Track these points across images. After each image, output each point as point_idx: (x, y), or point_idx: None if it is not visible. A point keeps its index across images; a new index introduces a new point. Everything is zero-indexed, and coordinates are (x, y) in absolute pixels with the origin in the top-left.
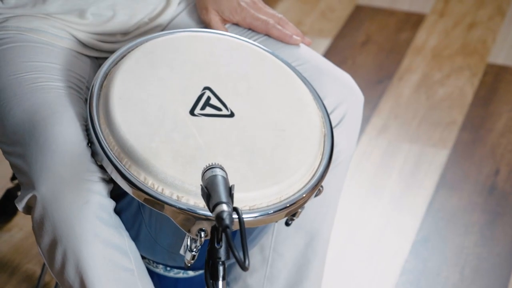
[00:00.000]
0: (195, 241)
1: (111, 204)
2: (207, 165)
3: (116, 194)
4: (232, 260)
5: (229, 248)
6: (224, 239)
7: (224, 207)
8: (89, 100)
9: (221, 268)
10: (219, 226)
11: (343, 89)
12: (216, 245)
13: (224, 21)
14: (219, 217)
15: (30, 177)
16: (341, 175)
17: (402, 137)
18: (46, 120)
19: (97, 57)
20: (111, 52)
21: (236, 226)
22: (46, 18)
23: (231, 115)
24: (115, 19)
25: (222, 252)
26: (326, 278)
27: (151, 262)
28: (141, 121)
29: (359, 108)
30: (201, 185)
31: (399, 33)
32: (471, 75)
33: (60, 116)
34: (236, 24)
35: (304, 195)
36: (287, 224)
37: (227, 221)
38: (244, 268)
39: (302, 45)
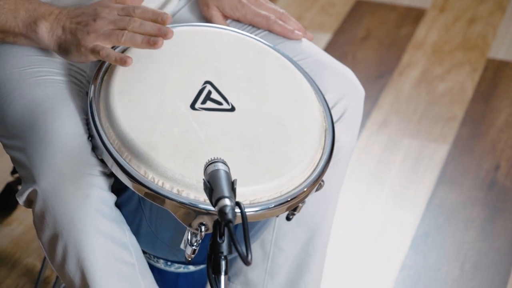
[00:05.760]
0: (196, 235)
1: (112, 198)
2: (210, 159)
3: (117, 188)
4: (234, 254)
5: (232, 243)
6: (226, 233)
7: (227, 201)
8: (90, 94)
9: (223, 263)
10: (221, 221)
11: (344, 83)
12: (218, 239)
13: (225, 17)
14: (222, 212)
15: (31, 171)
16: (342, 170)
17: (402, 132)
18: (47, 114)
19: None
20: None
21: (238, 221)
22: None
23: (232, 109)
24: None
25: (224, 247)
26: (327, 273)
27: (152, 257)
28: (142, 115)
29: (360, 103)
30: (203, 179)
31: (399, 28)
32: (471, 70)
33: (60, 110)
34: (238, 20)
35: (305, 189)
36: (288, 218)
37: (229, 216)
38: (246, 262)
39: (303, 39)
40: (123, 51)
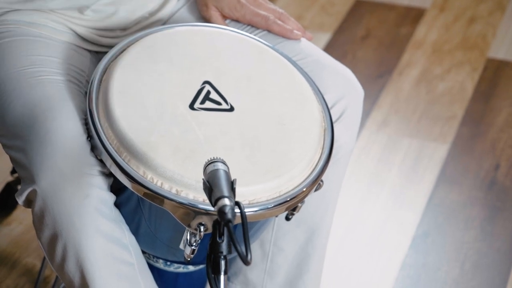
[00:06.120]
0: (195, 235)
1: (111, 198)
2: (209, 159)
3: (116, 188)
4: (233, 254)
5: (231, 243)
6: (226, 233)
7: (226, 201)
8: (89, 94)
9: (222, 263)
10: (221, 220)
11: (343, 83)
12: (218, 239)
13: (224, 17)
14: (221, 211)
15: (30, 171)
16: (341, 170)
17: (402, 132)
18: (46, 114)
19: (97, 51)
20: (111, 46)
21: (237, 220)
22: (45, 12)
23: (231, 109)
24: (116, 15)
25: (224, 247)
26: (326, 273)
27: (151, 256)
28: (141, 115)
29: (359, 103)
30: (203, 179)
31: (399, 27)
32: (471, 69)
33: (59, 110)
34: (237, 21)
35: (304, 189)
36: (287, 218)
37: (229, 215)
38: (246, 262)
39: (303, 39)
40: (123, 50)
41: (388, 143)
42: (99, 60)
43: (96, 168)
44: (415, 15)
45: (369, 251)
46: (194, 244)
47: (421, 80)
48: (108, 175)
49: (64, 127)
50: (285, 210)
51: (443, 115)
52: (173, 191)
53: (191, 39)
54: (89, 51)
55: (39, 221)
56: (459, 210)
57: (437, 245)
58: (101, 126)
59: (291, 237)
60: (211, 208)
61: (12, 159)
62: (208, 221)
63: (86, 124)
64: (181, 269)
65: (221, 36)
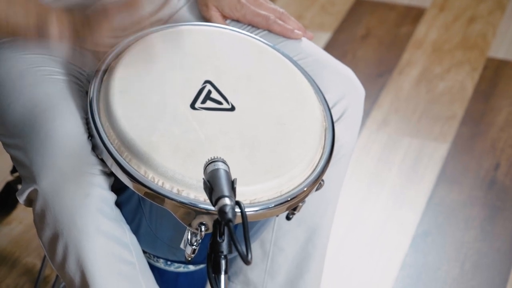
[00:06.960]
0: (196, 235)
1: (112, 197)
2: (209, 158)
3: (117, 187)
4: (234, 254)
5: (232, 242)
6: (226, 233)
7: (227, 200)
8: (90, 93)
9: (223, 262)
10: (221, 220)
11: (344, 83)
12: (218, 239)
13: (225, 17)
14: (222, 211)
15: (31, 170)
16: (342, 170)
17: (402, 131)
18: (47, 113)
19: (98, 51)
20: (112, 46)
21: (238, 220)
22: None
23: (232, 108)
24: None
25: (224, 246)
26: (327, 272)
27: (152, 256)
28: (142, 115)
29: (360, 103)
30: (203, 178)
31: (399, 27)
32: (471, 69)
33: (60, 109)
34: (237, 21)
35: (305, 189)
36: (288, 218)
37: (229, 215)
38: (246, 262)
39: (303, 39)
40: (124, 50)
41: (388, 143)
42: (99, 59)
43: (97, 168)
44: (415, 15)
45: (369, 251)
46: (195, 243)
47: (421, 80)
48: (109, 174)
49: (65, 127)
50: (286, 210)
51: (443, 114)
52: (174, 190)
53: (191, 38)
54: (90, 50)
55: (40, 220)
56: (459, 210)
57: (437, 244)
58: (102, 125)
59: (291, 236)
60: (212, 208)
61: (13, 158)
62: (209, 221)
63: (87, 123)
64: (182, 268)
65: (222, 36)
